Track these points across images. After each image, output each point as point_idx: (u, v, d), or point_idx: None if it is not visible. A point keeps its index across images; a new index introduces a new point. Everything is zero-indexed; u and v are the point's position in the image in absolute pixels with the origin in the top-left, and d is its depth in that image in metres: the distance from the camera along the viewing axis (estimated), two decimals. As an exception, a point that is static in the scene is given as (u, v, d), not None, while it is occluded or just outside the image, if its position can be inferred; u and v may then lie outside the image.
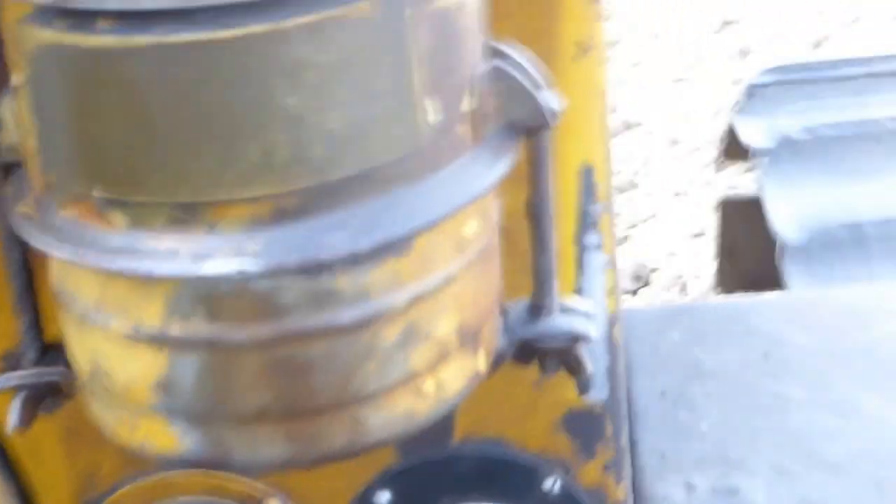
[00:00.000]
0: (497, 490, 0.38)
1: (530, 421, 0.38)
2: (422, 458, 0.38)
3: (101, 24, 0.24)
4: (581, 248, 0.36)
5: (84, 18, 0.24)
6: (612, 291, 0.37)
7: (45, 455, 0.44)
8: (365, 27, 0.25)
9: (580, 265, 0.36)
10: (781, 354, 0.47)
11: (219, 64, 0.24)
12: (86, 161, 0.26)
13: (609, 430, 0.37)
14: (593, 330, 0.33)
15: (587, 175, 0.35)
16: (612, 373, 0.37)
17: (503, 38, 0.31)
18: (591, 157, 0.35)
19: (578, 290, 0.36)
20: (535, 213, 0.31)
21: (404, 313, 0.28)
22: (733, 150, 1.19)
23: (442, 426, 0.37)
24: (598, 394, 0.38)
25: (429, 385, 0.29)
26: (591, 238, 0.36)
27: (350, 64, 0.25)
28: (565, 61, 0.34)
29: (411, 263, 0.27)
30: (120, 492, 0.45)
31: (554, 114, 0.30)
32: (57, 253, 0.27)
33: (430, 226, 0.27)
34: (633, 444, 0.43)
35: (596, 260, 0.36)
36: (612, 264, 0.38)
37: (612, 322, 0.37)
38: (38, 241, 0.28)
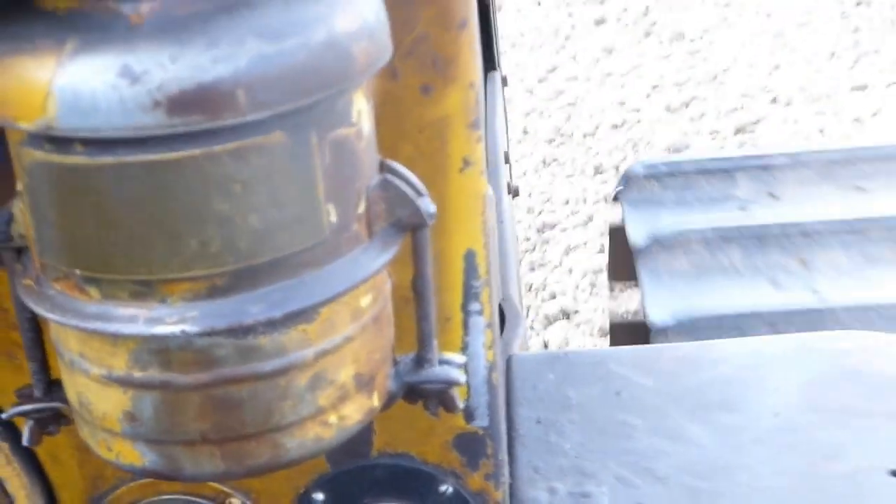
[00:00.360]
0: (405, 492, 0.48)
1: (430, 440, 0.47)
2: (347, 467, 0.47)
3: (77, 147, 0.31)
4: (466, 314, 0.44)
5: (64, 143, 0.31)
6: (491, 346, 0.46)
7: (64, 461, 0.55)
8: (280, 151, 0.32)
9: (466, 327, 0.44)
10: (630, 393, 0.58)
11: (166, 178, 0.31)
12: (68, 249, 0.34)
13: (490, 448, 0.47)
14: (462, 378, 0.40)
15: (470, 258, 0.43)
16: (491, 406, 0.46)
17: (406, 154, 0.40)
18: (473, 245, 0.43)
19: (464, 346, 0.45)
20: (418, 290, 0.39)
21: (312, 365, 0.35)
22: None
23: (363, 443, 0.47)
24: (480, 421, 0.47)
25: (332, 418, 0.36)
26: (474, 306, 0.44)
27: (268, 178, 0.32)
28: (454, 173, 0.42)
29: (317, 327, 0.35)
30: (120, 489, 0.56)
31: (431, 215, 0.37)
32: (49, 317, 0.35)
33: (331, 300, 0.34)
34: (512, 458, 0.53)
35: (478, 323, 0.45)
36: (490, 326, 0.46)
37: (490, 369, 0.46)
38: (37, 307, 0.35)
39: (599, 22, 4.09)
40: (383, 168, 0.37)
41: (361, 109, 0.34)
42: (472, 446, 0.47)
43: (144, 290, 0.33)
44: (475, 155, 0.42)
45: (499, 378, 0.48)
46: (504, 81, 1.33)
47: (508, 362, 0.59)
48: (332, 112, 0.32)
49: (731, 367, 0.58)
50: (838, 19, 3.85)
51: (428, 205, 0.37)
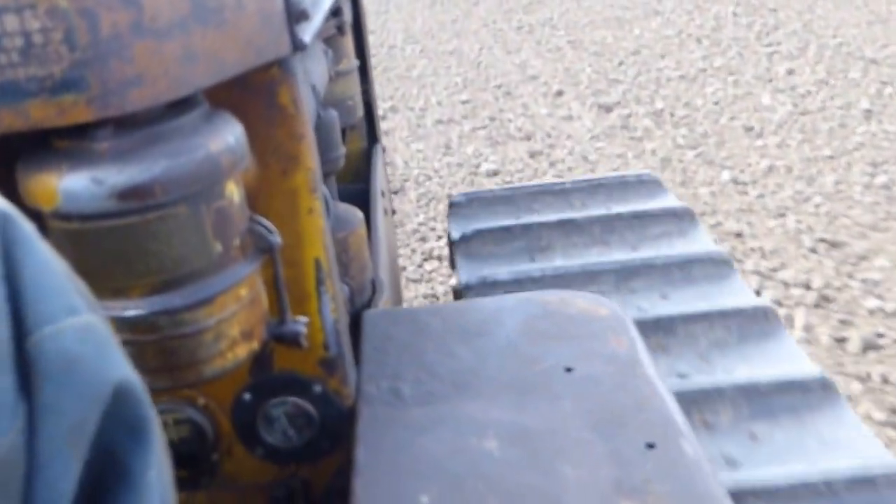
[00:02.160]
0: (294, 392, 0.73)
1: (306, 362, 0.72)
2: (260, 378, 0.72)
3: (74, 220, 0.51)
4: (318, 293, 0.69)
5: (67, 218, 0.51)
6: (335, 309, 0.71)
7: None
8: (184, 215, 0.52)
9: (319, 300, 0.69)
10: (429, 329, 0.83)
11: (122, 233, 0.51)
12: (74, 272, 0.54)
13: (339, 364, 0.72)
14: (304, 330, 0.64)
15: (318, 262, 0.68)
16: (338, 342, 0.72)
17: (276, 206, 0.65)
18: (318, 255, 0.68)
19: (320, 309, 0.69)
20: (275, 283, 0.63)
21: (215, 327, 0.56)
22: None
23: (268, 365, 0.72)
24: (332, 350, 0.72)
25: (229, 355, 0.57)
26: (322, 288, 0.69)
27: (179, 230, 0.52)
28: (304, 215, 0.67)
29: (215, 307, 0.55)
30: None
31: (278, 244, 0.59)
32: None
33: (221, 293, 0.55)
34: (359, 370, 0.77)
35: (325, 297, 0.69)
36: (333, 298, 0.70)
37: (335, 321, 0.71)
38: None
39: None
40: (251, 219, 0.60)
41: (233, 190, 0.56)
42: (329, 364, 0.72)
43: (118, 292, 0.53)
44: (315, 206, 0.66)
45: (343, 324, 0.74)
46: (383, 150, 1.75)
47: (363, 315, 0.86)
48: (213, 193, 0.53)
49: (482, 314, 0.84)
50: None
51: (276, 239, 0.60)
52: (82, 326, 0.33)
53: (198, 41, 0.50)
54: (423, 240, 2.94)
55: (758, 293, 2.29)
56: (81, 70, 0.44)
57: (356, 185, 1.52)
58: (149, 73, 0.46)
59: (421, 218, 3.08)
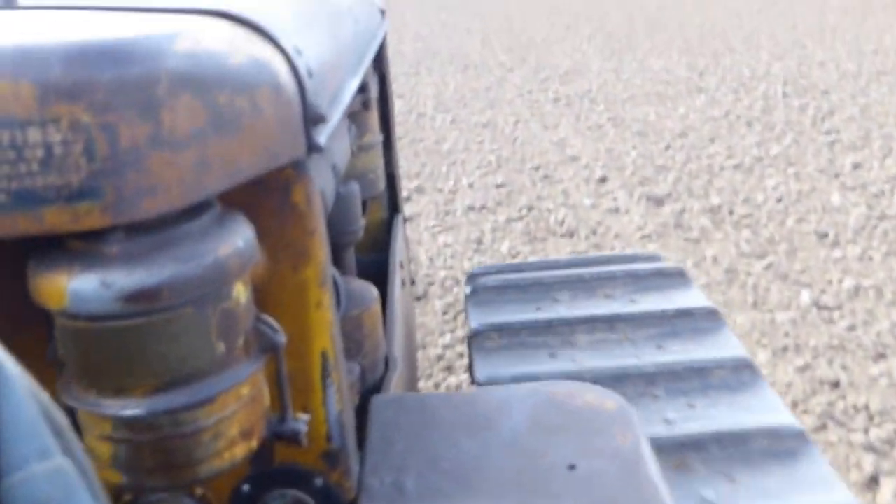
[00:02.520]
0: (295, 484, 0.71)
1: (308, 455, 0.70)
2: (260, 470, 0.70)
3: (82, 320, 0.51)
4: (324, 385, 0.67)
5: (74, 317, 0.51)
6: (339, 401, 0.69)
7: None
8: (189, 317, 0.52)
9: (324, 391, 0.67)
10: (434, 419, 0.81)
11: (128, 335, 0.51)
12: (81, 370, 0.54)
13: (342, 458, 0.71)
14: (304, 429, 0.64)
15: (324, 354, 0.67)
16: (342, 435, 0.70)
17: (284, 300, 0.63)
18: (325, 347, 0.66)
19: (325, 401, 0.68)
20: (278, 382, 0.63)
21: (213, 427, 0.55)
22: None
23: (268, 459, 0.70)
24: (336, 443, 0.70)
25: (227, 455, 0.57)
26: (328, 381, 0.68)
27: (184, 332, 0.52)
28: (312, 309, 0.65)
29: (216, 406, 0.55)
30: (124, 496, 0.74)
31: (282, 344, 0.60)
32: (73, 404, 0.54)
33: (222, 392, 0.55)
34: (362, 462, 0.75)
35: (330, 389, 0.68)
36: (339, 390, 0.69)
37: (339, 413, 0.69)
38: (67, 399, 0.54)
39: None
40: (258, 318, 0.59)
41: (240, 290, 0.56)
42: (332, 457, 0.71)
43: (119, 391, 0.53)
44: (324, 299, 0.65)
45: (348, 415, 0.72)
46: (404, 220, 1.68)
47: (371, 401, 0.84)
48: (220, 295, 0.54)
49: (490, 405, 0.83)
50: None
51: (280, 338, 0.60)
52: (53, 471, 0.35)
53: (213, 149, 0.49)
54: (449, 369, 2.48)
55: (874, 481, 1.82)
56: (98, 180, 0.45)
57: (376, 255, 1.49)
58: (163, 181, 0.47)
59: (447, 339, 2.63)
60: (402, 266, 1.43)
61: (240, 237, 0.54)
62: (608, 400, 0.81)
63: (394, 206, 1.61)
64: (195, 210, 0.52)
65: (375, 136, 1.32)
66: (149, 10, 0.55)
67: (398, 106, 6.76)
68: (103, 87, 0.43)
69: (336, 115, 0.70)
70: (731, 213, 3.73)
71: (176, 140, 0.46)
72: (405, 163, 4.85)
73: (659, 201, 3.93)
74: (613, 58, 8.28)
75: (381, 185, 1.37)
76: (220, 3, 0.58)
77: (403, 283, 1.43)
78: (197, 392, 0.53)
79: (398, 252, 1.41)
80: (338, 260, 1.06)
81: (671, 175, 4.29)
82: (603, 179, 4.32)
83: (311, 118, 0.59)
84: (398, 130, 5.80)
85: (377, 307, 0.93)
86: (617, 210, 3.87)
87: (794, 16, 10.60)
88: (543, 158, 4.77)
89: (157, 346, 0.51)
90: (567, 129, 5.43)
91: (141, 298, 0.49)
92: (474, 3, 17.75)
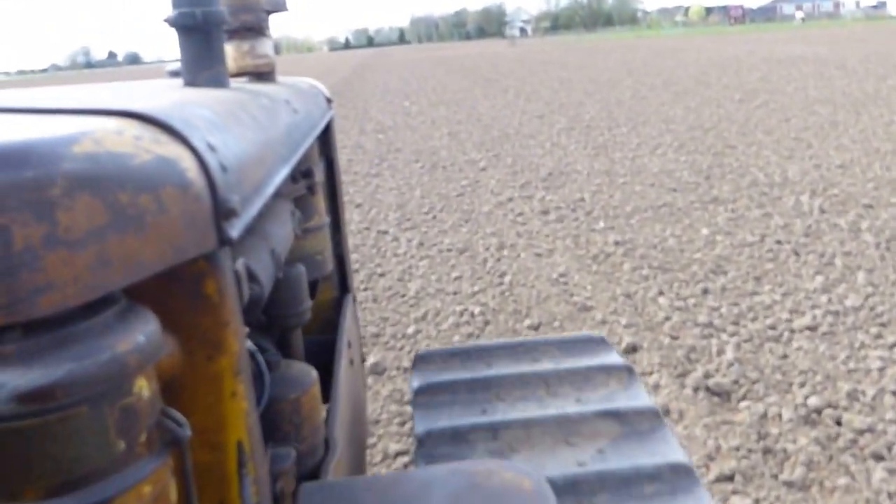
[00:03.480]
0: None
1: None
2: None
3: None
4: (240, 475, 0.64)
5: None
6: (256, 492, 0.66)
7: None
8: (85, 417, 0.48)
9: (240, 482, 0.64)
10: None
11: (20, 436, 0.47)
12: None
13: None
14: None
15: (240, 444, 0.64)
16: None
17: (202, 390, 0.61)
18: (240, 437, 0.64)
19: (241, 492, 0.64)
20: (183, 480, 0.59)
21: None
22: None
23: None
24: None
25: None
26: (243, 471, 0.64)
27: (78, 431, 0.49)
28: (227, 400, 0.62)
29: None
30: None
31: (186, 437, 0.55)
32: None
33: (123, 492, 0.51)
34: None
35: (246, 480, 0.64)
36: (255, 481, 0.66)
37: None
38: None
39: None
40: (162, 412, 0.56)
41: (142, 385, 0.53)
42: None
43: (11, 496, 0.49)
44: (239, 389, 0.63)
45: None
46: (354, 300, 1.65)
47: (300, 488, 0.84)
48: (119, 392, 0.51)
49: (413, 487, 0.85)
50: None
51: (185, 432, 0.56)
52: None
53: (114, 247, 0.48)
54: None
55: None
56: None
57: (327, 335, 1.39)
58: (59, 280, 0.46)
59: None
60: (349, 345, 1.41)
61: (141, 333, 0.52)
62: (526, 479, 0.84)
63: (343, 286, 1.60)
64: (95, 306, 0.51)
65: (322, 218, 1.33)
66: (57, 111, 0.58)
67: (355, 217, 5.51)
68: None
69: (256, 206, 0.70)
70: (837, 421, 2.48)
71: (73, 240, 0.46)
72: (361, 313, 3.56)
73: (724, 396, 2.67)
74: (600, 156, 7.25)
75: (329, 266, 1.37)
76: (135, 103, 0.61)
77: (352, 362, 1.42)
78: (95, 494, 0.50)
79: (346, 332, 1.38)
80: (283, 342, 1.06)
81: (726, 344, 3.05)
82: (632, 349, 3.06)
83: (223, 213, 0.59)
84: (354, 254, 4.52)
85: (316, 389, 0.94)
86: (668, 411, 2.59)
87: (781, 108, 9.84)
88: (544, 310, 3.51)
89: (52, 447, 0.49)
90: (566, 260, 4.22)
91: (33, 399, 0.47)
92: (439, 90, 16.99)
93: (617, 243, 4.42)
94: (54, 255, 0.45)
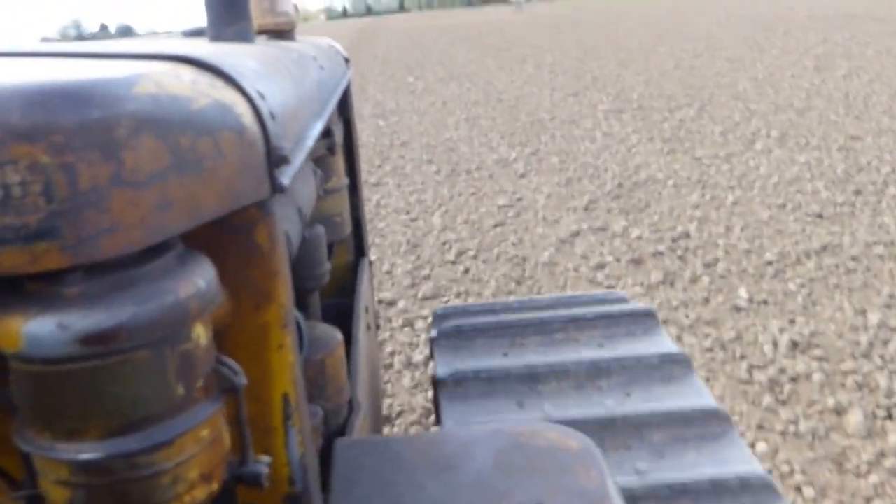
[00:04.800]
0: None
1: (271, 497, 0.66)
2: None
3: (36, 364, 0.48)
4: (285, 427, 0.64)
5: (29, 361, 0.48)
6: (301, 443, 0.66)
7: None
8: (146, 360, 0.50)
9: (286, 434, 0.64)
10: (394, 457, 0.84)
11: (84, 377, 0.49)
12: (34, 414, 0.51)
13: (304, 500, 0.67)
14: (265, 471, 0.59)
15: (286, 397, 0.64)
16: (305, 477, 0.67)
17: (245, 340, 0.61)
18: (286, 389, 0.63)
19: (286, 443, 0.65)
20: (238, 424, 0.59)
21: (172, 470, 0.53)
22: None
23: (231, 500, 0.65)
24: (298, 486, 0.67)
25: (187, 498, 0.54)
26: (289, 423, 0.64)
27: (140, 373, 0.50)
28: (273, 352, 0.62)
29: (174, 450, 0.52)
30: None
31: (242, 385, 0.56)
32: (27, 449, 0.52)
33: (180, 435, 0.52)
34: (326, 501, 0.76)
35: (292, 432, 0.65)
36: (300, 432, 0.66)
37: (302, 455, 0.66)
38: (21, 445, 0.52)
39: None
40: (218, 360, 0.57)
41: (200, 332, 0.54)
42: (294, 500, 0.67)
43: (73, 434, 0.50)
44: (286, 341, 0.62)
45: (311, 458, 0.69)
46: (370, 263, 1.62)
47: (334, 444, 0.84)
48: (179, 337, 0.52)
49: (454, 446, 0.84)
50: None
51: (241, 380, 0.56)
52: None
53: (175, 189, 0.49)
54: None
55: None
56: (57, 220, 0.44)
57: (341, 298, 1.43)
58: (124, 221, 0.46)
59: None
60: (366, 310, 1.41)
61: (201, 278, 0.53)
62: (571, 439, 0.83)
63: (360, 249, 1.60)
64: (156, 250, 0.52)
65: (341, 180, 1.34)
66: (112, 55, 0.58)
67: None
68: (63, 129, 0.44)
69: (299, 158, 0.70)
70: None
71: (137, 180, 0.47)
72: None
73: None
74: (678, 153, 5.31)
75: (348, 228, 1.39)
76: (184, 49, 0.60)
77: (368, 327, 1.42)
78: (155, 435, 0.52)
79: (363, 296, 1.38)
80: (303, 304, 1.07)
81: None
82: None
83: (275, 160, 0.60)
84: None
85: (341, 351, 0.95)
86: None
87: (879, 78, 7.82)
88: None
89: (114, 388, 0.50)
90: (719, 390, 2.33)
91: (98, 340, 0.48)
92: (446, 62, 14.85)
93: (795, 345, 2.52)
94: (120, 196, 0.45)
